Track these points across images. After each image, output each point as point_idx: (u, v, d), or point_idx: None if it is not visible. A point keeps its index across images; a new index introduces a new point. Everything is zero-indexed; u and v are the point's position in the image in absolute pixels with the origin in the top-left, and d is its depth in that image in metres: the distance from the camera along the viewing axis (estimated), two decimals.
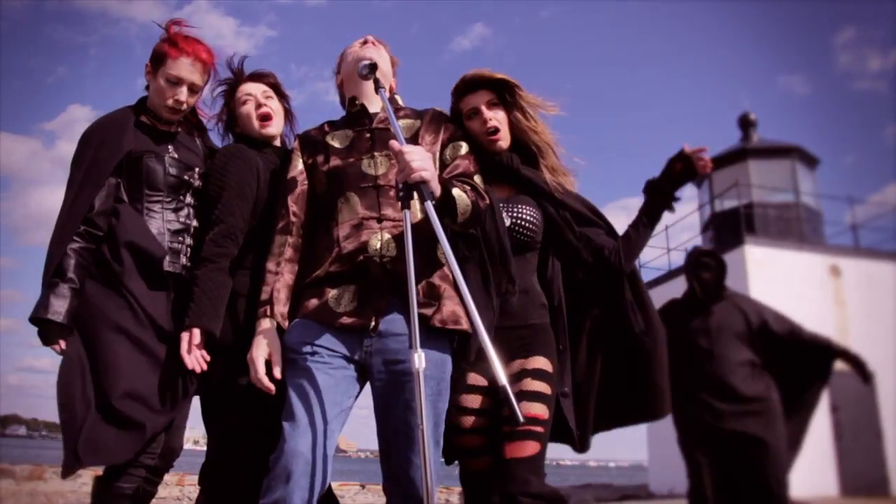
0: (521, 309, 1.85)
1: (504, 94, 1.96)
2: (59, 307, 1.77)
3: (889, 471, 9.73)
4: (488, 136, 1.95)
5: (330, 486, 1.88)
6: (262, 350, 1.65)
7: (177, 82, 1.96)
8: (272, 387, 1.63)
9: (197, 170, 2.01)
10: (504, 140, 1.97)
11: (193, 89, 2.00)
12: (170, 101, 1.97)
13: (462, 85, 1.99)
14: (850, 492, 9.37)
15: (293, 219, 1.81)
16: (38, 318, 1.77)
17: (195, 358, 1.75)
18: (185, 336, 1.76)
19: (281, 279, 1.75)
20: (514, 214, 1.91)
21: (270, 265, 1.77)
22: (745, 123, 12.62)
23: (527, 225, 1.91)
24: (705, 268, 3.36)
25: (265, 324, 1.70)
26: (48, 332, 1.79)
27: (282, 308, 1.73)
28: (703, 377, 3.23)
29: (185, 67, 1.96)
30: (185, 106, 2.00)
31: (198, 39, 2.02)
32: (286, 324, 1.72)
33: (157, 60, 1.98)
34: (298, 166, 1.86)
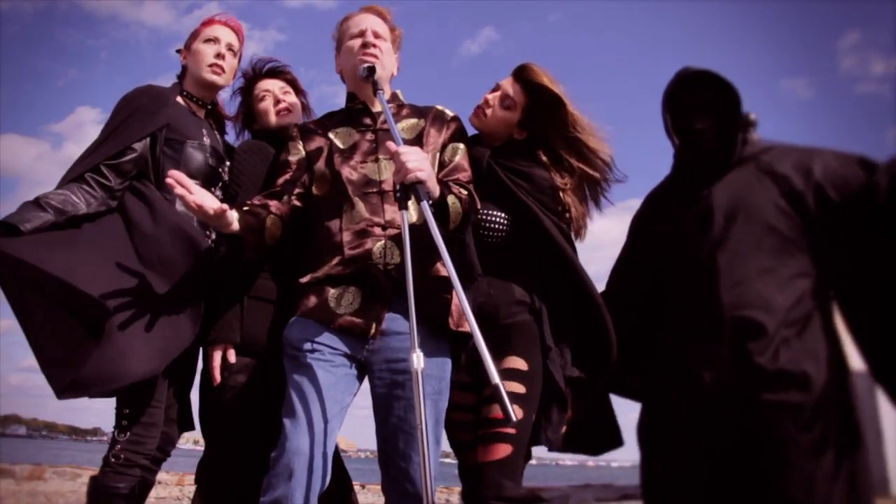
0: (494, 309, 1.83)
1: (540, 105, 1.93)
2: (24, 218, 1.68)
3: (889, 471, 9.72)
4: (477, 108, 1.99)
5: (348, 474, 1.92)
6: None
7: (215, 40, 2.04)
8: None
9: (228, 163, 2.04)
10: (480, 121, 1.99)
11: (232, 50, 2.07)
12: (211, 58, 2.02)
13: (519, 68, 1.98)
14: None
15: (295, 202, 1.79)
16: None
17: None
18: (218, 353, 1.78)
19: (269, 210, 1.73)
20: (478, 216, 1.86)
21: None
22: (745, 123, 12.58)
23: (489, 226, 1.88)
24: (700, 109, 1.65)
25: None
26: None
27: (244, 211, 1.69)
28: (696, 317, 1.56)
29: (220, 29, 2.06)
30: (225, 64, 2.04)
31: None
32: (234, 221, 1.65)
33: (192, 37, 2.07)
34: (301, 153, 1.84)
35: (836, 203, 1.50)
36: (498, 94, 1.96)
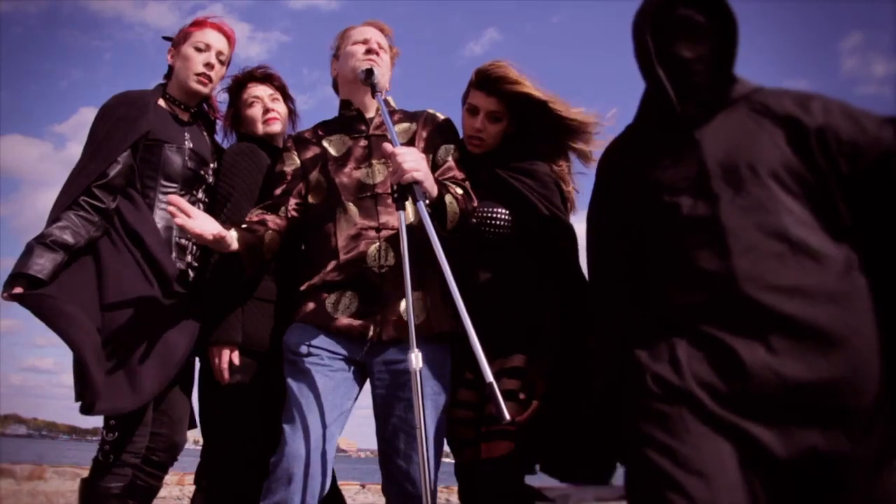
0: (497, 307, 1.82)
1: (521, 106, 1.90)
2: (38, 265, 1.68)
3: None
4: (469, 137, 1.95)
5: (337, 485, 1.89)
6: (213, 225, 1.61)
7: (205, 48, 1.99)
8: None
9: (212, 165, 2.01)
10: (479, 148, 1.95)
11: (221, 58, 2.03)
12: (200, 67, 1.97)
13: (479, 79, 1.91)
14: None
15: (292, 213, 1.80)
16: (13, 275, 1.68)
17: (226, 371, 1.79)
18: (225, 354, 1.78)
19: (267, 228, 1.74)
20: (480, 213, 1.86)
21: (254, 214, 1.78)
22: None
23: (492, 223, 1.87)
24: (685, 35, 1.32)
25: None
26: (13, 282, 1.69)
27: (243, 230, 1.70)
28: (698, 287, 1.23)
29: (212, 35, 2.01)
30: (213, 73, 2.00)
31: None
32: (234, 242, 1.66)
33: (182, 38, 2.01)
34: (296, 163, 1.84)
35: (836, 156, 1.23)
36: (481, 115, 1.92)
